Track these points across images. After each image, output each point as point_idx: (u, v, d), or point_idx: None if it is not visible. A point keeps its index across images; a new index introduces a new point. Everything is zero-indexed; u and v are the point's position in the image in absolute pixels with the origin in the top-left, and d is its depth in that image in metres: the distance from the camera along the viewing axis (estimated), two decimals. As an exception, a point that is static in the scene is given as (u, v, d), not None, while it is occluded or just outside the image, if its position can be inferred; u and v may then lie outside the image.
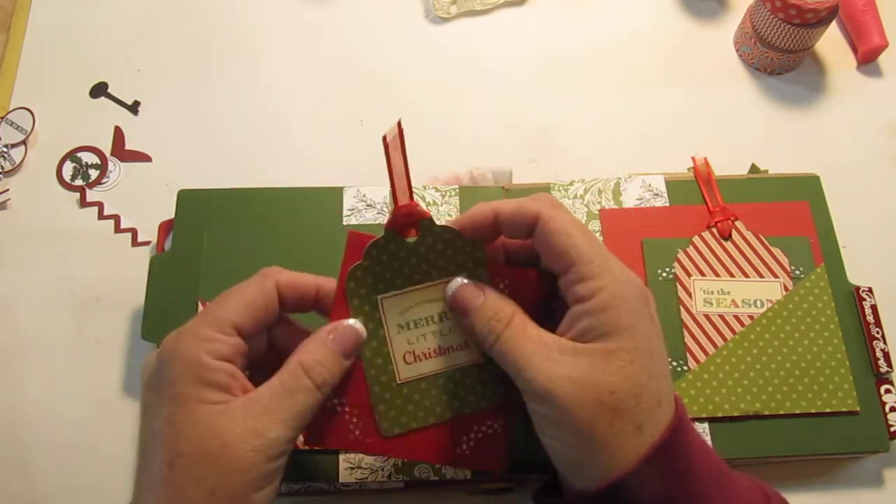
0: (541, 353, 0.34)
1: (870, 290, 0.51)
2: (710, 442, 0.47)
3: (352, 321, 0.37)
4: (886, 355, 0.49)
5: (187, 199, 0.54)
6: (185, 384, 0.32)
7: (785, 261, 0.52)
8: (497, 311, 0.35)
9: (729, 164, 0.57)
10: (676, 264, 0.51)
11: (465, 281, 0.37)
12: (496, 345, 0.35)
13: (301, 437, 0.38)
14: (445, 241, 0.37)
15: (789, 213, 0.54)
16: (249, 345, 0.36)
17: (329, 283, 0.38)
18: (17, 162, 0.61)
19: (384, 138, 0.34)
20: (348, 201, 0.54)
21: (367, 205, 0.54)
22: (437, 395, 0.38)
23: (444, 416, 0.38)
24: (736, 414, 0.47)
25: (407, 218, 0.37)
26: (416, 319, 0.38)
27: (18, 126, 0.62)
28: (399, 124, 0.35)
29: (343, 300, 0.37)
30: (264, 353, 0.38)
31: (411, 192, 0.37)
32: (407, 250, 0.37)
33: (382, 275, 0.37)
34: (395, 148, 0.35)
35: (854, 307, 0.51)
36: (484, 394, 0.39)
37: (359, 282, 0.37)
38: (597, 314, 0.34)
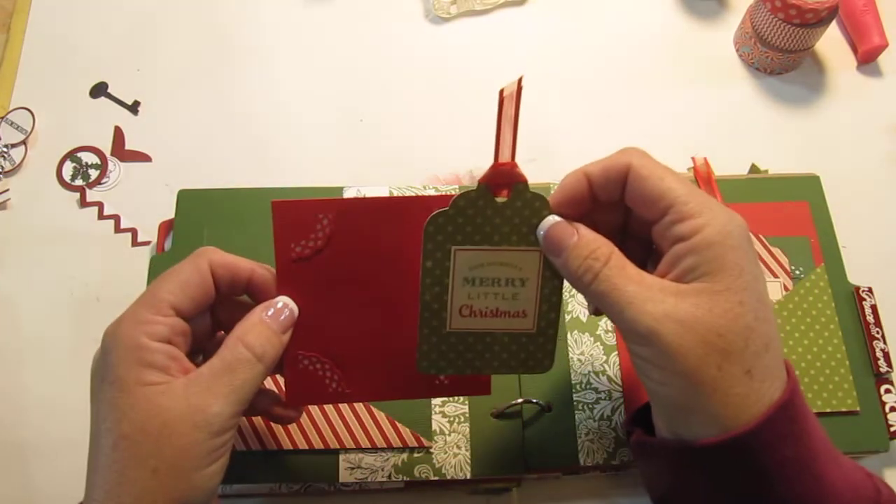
0: (643, 293, 0.32)
1: (870, 290, 0.51)
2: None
3: (284, 299, 0.37)
4: (886, 355, 0.49)
5: (187, 199, 0.54)
6: (126, 368, 0.33)
7: (785, 261, 0.52)
8: (594, 249, 0.34)
9: (729, 164, 0.57)
10: (676, 264, 0.51)
11: (559, 218, 0.36)
12: (594, 284, 0.33)
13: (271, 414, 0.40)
14: (533, 209, 0.36)
15: (789, 213, 0.54)
16: (192, 325, 0.36)
17: (262, 269, 0.38)
18: (17, 162, 0.61)
19: (501, 91, 0.33)
20: (348, 201, 0.54)
21: (367, 205, 0.54)
22: (480, 351, 0.38)
23: (482, 371, 0.38)
24: (736, 414, 0.47)
25: (504, 177, 0.36)
26: (483, 278, 0.37)
27: (18, 126, 0.62)
28: (520, 81, 0.34)
29: (284, 278, 0.37)
30: (211, 334, 0.38)
31: (514, 153, 0.36)
32: (494, 209, 0.36)
33: (463, 227, 0.36)
34: (510, 104, 0.34)
35: (854, 307, 0.51)
36: (526, 362, 0.38)
37: (438, 228, 0.36)
38: (701, 251, 0.32)
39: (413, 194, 0.37)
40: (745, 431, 0.31)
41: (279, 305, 0.36)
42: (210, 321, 0.38)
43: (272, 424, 0.47)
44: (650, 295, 0.32)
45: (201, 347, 0.39)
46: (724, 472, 0.32)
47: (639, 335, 0.32)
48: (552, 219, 0.36)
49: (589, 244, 0.34)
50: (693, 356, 0.31)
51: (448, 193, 0.36)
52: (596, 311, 0.41)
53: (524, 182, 0.36)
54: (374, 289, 0.38)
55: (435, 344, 0.38)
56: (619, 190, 0.36)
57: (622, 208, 0.37)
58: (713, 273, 0.32)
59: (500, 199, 0.36)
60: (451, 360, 0.38)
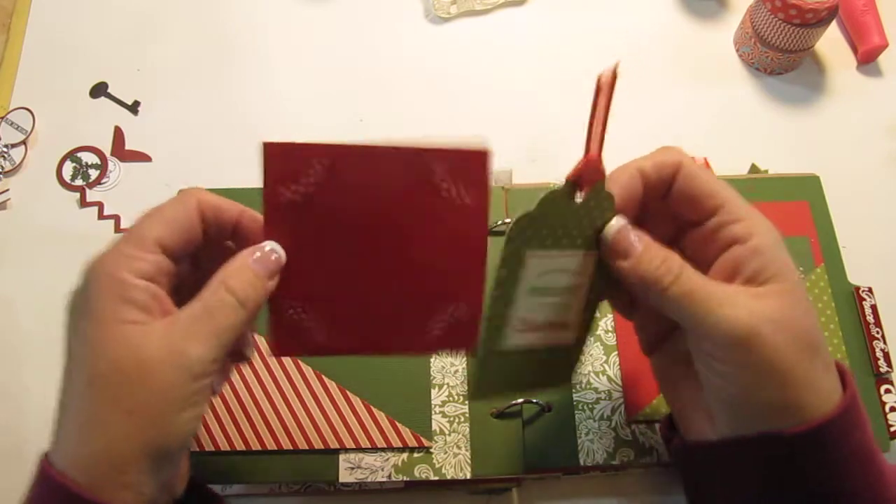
0: (729, 295, 0.32)
1: (870, 290, 0.51)
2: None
3: (271, 244, 0.34)
4: (886, 355, 0.49)
5: (187, 199, 0.54)
6: (105, 303, 0.31)
7: (785, 261, 0.52)
8: (667, 255, 0.34)
9: (729, 164, 0.57)
10: (676, 264, 0.51)
11: (626, 222, 0.35)
12: (673, 286, 0.33)
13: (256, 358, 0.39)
14: (601, 208, 0.35)
15: (789, 213, 0.54)
16: (178, 266, 0.35)
17: (251, 214, 0.36)
18: (17, 162, 0.61)
19: (599, 78, 0.32)
20: (348, 201, 0.54)
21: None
22: (523, 369, 0.36)
23: (516, 392, 0.37)
24: (736, 414, 0.47)
25: (592, 173, 0.34)
26: (546, 287, 0.35)
27: (18, 126, 0.62)
28: (616, 68, 0.33)
29: (271, 221, 0.35)
30: (192, 278, 0.37)
31: (602, 146, 0.34)
32: (570, 209, 0.34)
33: (540, 230, 0.34)
34: (604, 93, 0.33)
35: (854, 307, 0.51)
36: (557, 376, 0.37)
37: (520, 231, 0.34)
38: (764, 253, 0.33)
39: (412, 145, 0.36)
40: (831, 417, 0.32)
41: (266, 249, 0.34)
42: (191, 265, 0.37)
43: (272, 424, 0.47)
44: (735, 297, 0.32)
45: (181, 291, 0.37)
46: (804, 462, 0.33)
47: (734, 337, 0.32)
48: (620, 221, 0.35)
49: (660, 251, 0.34)
50: (790, 354, 0.31)
51: (450, 148, 0.35)
52: (625, 313, 0.40)
53: (603, 179, 0.35)
54: (365, 240, 0.36)
55: (491, 367, 0.36)
56: (665, 188, 0.36)
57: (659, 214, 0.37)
58: (781, 275, 0.33)
59: (577, 198, 0.35)
60: (502, 384, 0.36)
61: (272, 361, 0.48)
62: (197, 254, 0.36)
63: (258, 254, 0.34)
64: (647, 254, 0.34)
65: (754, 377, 0.32)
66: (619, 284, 0.36)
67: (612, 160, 0.60)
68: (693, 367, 0.36)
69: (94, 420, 0.30)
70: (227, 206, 0.36)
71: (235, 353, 0.37)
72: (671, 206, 0.36)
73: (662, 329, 0.39)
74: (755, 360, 0.32)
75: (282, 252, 0.35)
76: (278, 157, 0.34)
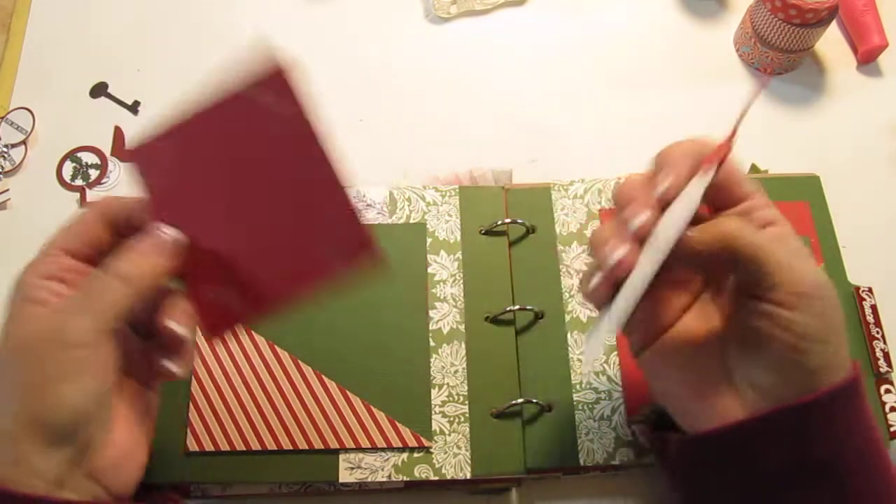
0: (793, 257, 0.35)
1: (870, 290, 0.51)
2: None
3: (158, 224, 0.37)
4: (886, 355, 0.49)
5: (187, 198, 0.54)
6: (16, 305, 0.35)
7: (785, 261, 0.52)
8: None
9: (729, 164, 0.57)
10: (676, 264, 0.51)
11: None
12: (756, 235, 0.35)
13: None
14: None
15: (789, 213, 0.53)
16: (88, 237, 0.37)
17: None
18: (17, 162, 0.61)
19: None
20: (348, 201, 0.54)
21: (367, 205, 0.54)
22: None
23: None
24: (736, 414, 0.47)
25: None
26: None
27: (18, 126, 0.62)
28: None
29: (155, 211, 0.37)
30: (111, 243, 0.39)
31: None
32: None
33: None
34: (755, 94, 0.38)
35: (854, 307, 0.51)
36: None
37: None
38: (785, 239, 0.37)
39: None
40: (850, 378, 0.34)
41: (152, 229, 0.37)
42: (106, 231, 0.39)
43: (272, 424, 0.47)
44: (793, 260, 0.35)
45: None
46: (837, 421, 0.35)
47: (814, 285, 0.34)
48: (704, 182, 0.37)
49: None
50: (841, 315, 0.35)
51: (249, 80, 0.39)
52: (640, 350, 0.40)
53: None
54: (238, 194, 0.38)
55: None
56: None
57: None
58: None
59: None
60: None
61: (272, 361, 0.49)
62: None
63: (141, 234, 0.36)
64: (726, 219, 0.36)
65: (824, 327, 0.34)
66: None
67: (613, 160, 0.60)
68: (707, 346, 0.38)
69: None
70: (135, 208, 0.38)
71: (163, 332, 0.37)
72: (712, 187, 0.38)
73: (661, 323, 0.39)
74: (829, 311, 0.34)
75: (168, 229, 0.37)
76: (135, 159, 0.37)
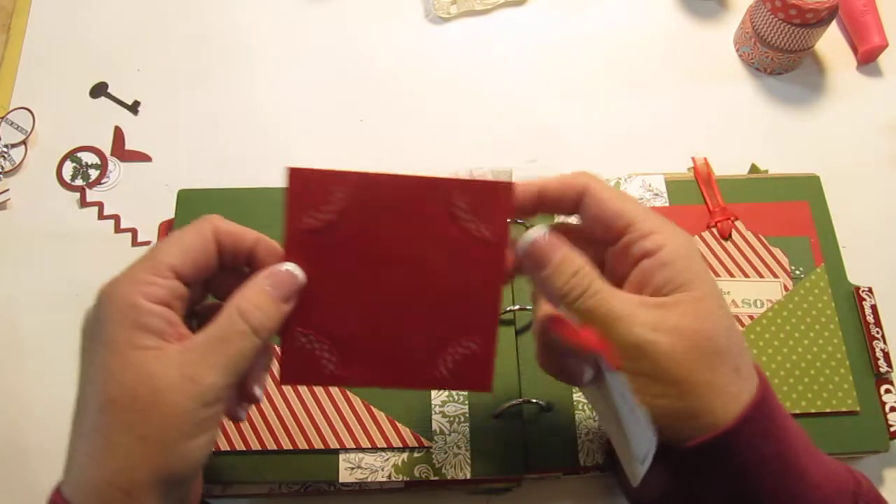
0: (631, 308, 0.33)
1: (870, 290, 0.51)
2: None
3: (289, 265, 0.35)
4: (886, 355, 0.49)
5: (187, 199, 0.54)
6: (120, 329, 0.31)
7: (785, 261, 0.52)
8: (580, 266, 0.34)
9: (729, 164, 0.57)
10: (676, 264, 0.51)
11: (545, 231, 0.35)
12: (582, 299, 0.33)
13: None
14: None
15: (789, 213, 0.54)
16: (191, 291, 0.35)
17: (267, 241, 0.36)
18: (17, 162, 0.61)
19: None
20: (348, 201, 0.54)
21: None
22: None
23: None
24: (736, 414, 0.47)
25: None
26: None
27: (18, 126, 0.62)
28: None
29: (291, 247, 0.35)
30: (203, 299, 0.37)
31: None
32: None
33: None
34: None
35: (854, 307, 0.51)
36: None
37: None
38: (672, 264, 0.34)
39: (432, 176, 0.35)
40: (728, 428, 0.32)
41: (282, 270, 0.34)
42: (203, 289, 0.37)
43: (272, 424, 0.47)
44: (636, 309, 0.33)
45: (194, 312, 0.38)
46: (713, 472, 0.33)
47: (633, 347, 0.32)
48: (539, 230, 0.35)
49: (575, 261, 0.35)
50: (689, 361, 0.32)
51: (469, 178, 0.35)
52: (545, 366, 0.39)
53: None
54: (382, 270, 0.36)
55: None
56: (568, 208, 0.37)
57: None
58: (688, 283, 0.33)
59: None
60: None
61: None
62: (211, 279, 0.37)
63: (273, 275, 0.34)
64: (561, 265, 0.35)
65: (656, 386, 0.32)
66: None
67: (613, 160, 0.60)
68: None
69: (106, 446, 0.31)
70: (244, 233, 0.36)
71: (246, 393, 0.37)
72: (584, 230, 0.37)
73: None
74: (653, 369, 0.32)
75: (300, 273, 0.35)
76: (302, 183, 0.35)
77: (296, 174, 0.35)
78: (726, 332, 0.33)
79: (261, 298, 0.33)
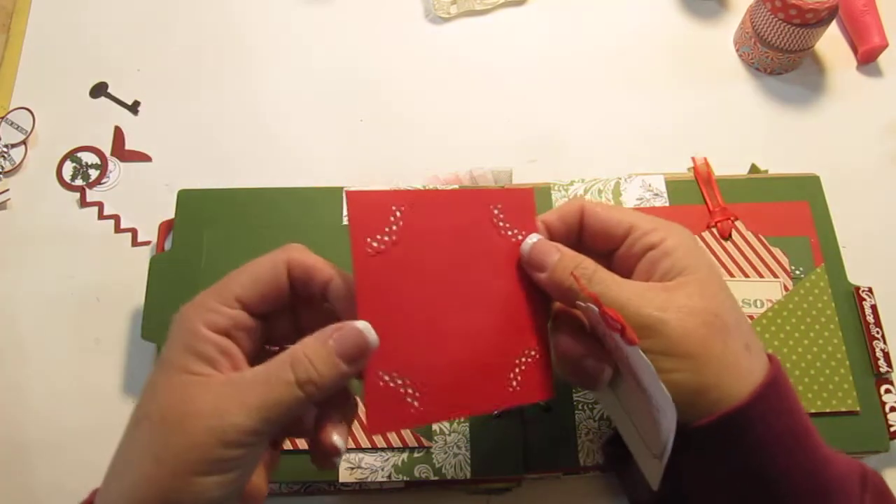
0: (638, 291, 0.34)
1: (870, 290, 0.51)
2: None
3: (360, 323, 0.32)
4: (886, 355, 0.49)
5: (187, 199, 0.54)
6: (176, 351, 0.32)
7: (785, 261, 0.52)
8: (580, 261, 0.36)
9: (729, 164, 0.57)
10: (676, 264, 0.51)
11: (540, 237, 0.38)
12: (588, 288, 0.35)
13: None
14: None
15: (789, 213, 0.54)
16: (272, 325, 0.35)
17: (340, 278, 0.34)
18: (17, 162, 0.61)
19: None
20: (348, 201, 0.54)
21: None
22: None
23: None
24: (736, 414, 0.47)
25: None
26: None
27: (18, 126, 0.62)
28: None
29: (362, 275, 0.33)
30: (293, 337, 0.35)
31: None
32: None
33: None
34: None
35: (854, 307, 0.51)
36: None
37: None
38: (674, 252, 0.35)
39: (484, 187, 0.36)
40: (742, 404, 0.32)
41: (353, 326, 0.32)
42: (291, 323, 0.36)
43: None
44: (644, 292, 0.34)
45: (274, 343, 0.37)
46: (727, 449, 0.33)
47: (644, 328, 0.33)
48: (534, 237, 0.38)
49: (574, 257, 0.36)
50: (698, 336, 0.33)
51: (518, 188, 0.37)
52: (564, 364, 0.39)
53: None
54: (446, 292, 0.35)
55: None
56: (574, 234, 0.39)
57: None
58: (690, 267, 0.35)
59: None
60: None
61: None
62: (296, 311, 0.36)
63: (341, 329, 0.32)
64: (561, 263, 0.36)
65: (668, 361, 0.33)
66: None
67: (613, 160, 0.60)
68: None
69: (128, 460, 0.31)
70: (317, 267, 0.35)
71: (326, 445, 0.34)
72: (588, 245, 0.38)
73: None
74: (665, 345, 0.33)
75: (372, 334, 0.32)
76: (363, 206, 0.34)
77: (355, 198, 0.34)
78: (732, 311, 0.35)
79: (319, 352, 0.31)
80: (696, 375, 0.33)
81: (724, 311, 0.34)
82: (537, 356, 0.38)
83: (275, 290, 0.34)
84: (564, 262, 0.36)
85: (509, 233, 0.37)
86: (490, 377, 0.36)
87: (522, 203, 0.38)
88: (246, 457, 0.30)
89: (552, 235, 0.39)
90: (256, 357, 0.34)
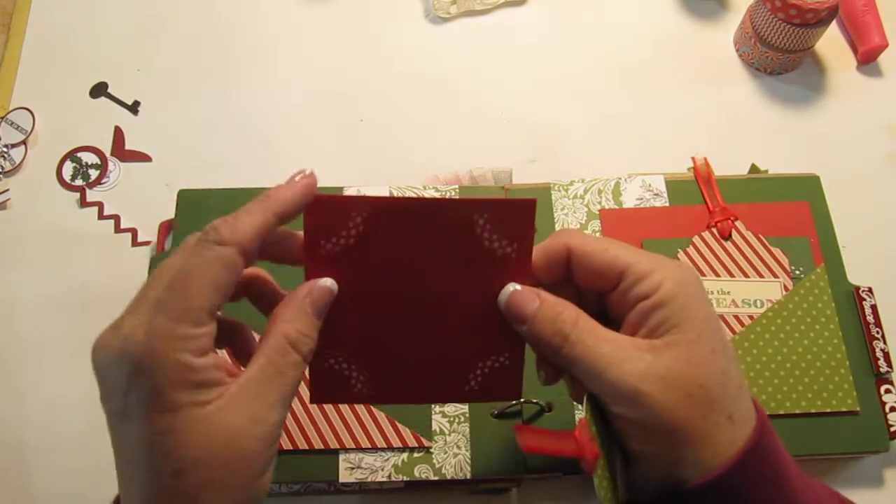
0: (619, 352, 0.32)
1: (870, 290, 0.51)
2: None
3: (328, 281, 0.34)
4: (886, 355, 0.49)
5: (187, 199, 0.54)
6: (177, 392, 0.29)
7: (785, 261, 0.52)
8: (559, 311, 0.34)
9: (729, 164, 0.57)
10: (676, 264, 0.51)
11: (519, 286, 0.35)
12: (566, 347, 0.33)
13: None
14: None
15: (789, 213, 0.54)
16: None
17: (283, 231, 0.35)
18: (17, 162, 0.61)
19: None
20: (348, 201, 0.54)
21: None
22: None
23: None
24: (736, 414, 0.47)
25: None
26: None
27: (18, 126, 0.62)
28: None
29: (312, 272, 0.35)
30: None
31: None
32: None
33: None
34: None
35: (854, 307, 0.51)
36: None
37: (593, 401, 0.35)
38: (667, 304, 0.32)
39: (451, 196, 0.35)
40: (721, 471, 0.31)
41: (322, 287, 0.34)
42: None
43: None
44: (627, 354, 0.32)
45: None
46: None
47: (623, 396, 0.32)
48: (511, 286, 0.35)
49: (554, 307, 0.34)
50: (680, 411, 0.31)
51: (493, 199, 0.35)
52: (547, 380, 0.38)
53: None
54: (407, 292, 0.36)
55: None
56: (562, 271, 0.36)
57: (571, 287, 0.37)
58: (682, 324, 0.32)
59: None
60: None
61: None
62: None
63: (313, 294, 0.33)
64: (539, 313, 0.34)
65: (645, 433, 0.32)
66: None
67: (613, 160, 0.60)
68: None
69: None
70: (254, 225, 0.33)
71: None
72: (578, 284, 0.36)
73: None
74: (643, 417, 0.32)
75: (333, 285, 0.34)
76: (317, 210, 0.34)
77: (312, 202, 0.34)
78: (721, 378, 0.32)
79: (304, 322, 0.33)
80: (672, 450, 0.32)
81: (710, 381, 0.32)
82: (507, 363, 0.38)
83: (232, 289, 0.32)
84: (544, 311, 0.34)
85: (495, 244, 0.36)
86: (446, 375, 0.38)
87: (517, 216, 0.36)
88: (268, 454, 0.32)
89: (536, 274, 0.36)
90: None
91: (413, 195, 0.54)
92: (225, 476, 0.30)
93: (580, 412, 0.48)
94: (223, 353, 0.36)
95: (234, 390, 0.31)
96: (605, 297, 0.35)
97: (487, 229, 0.35)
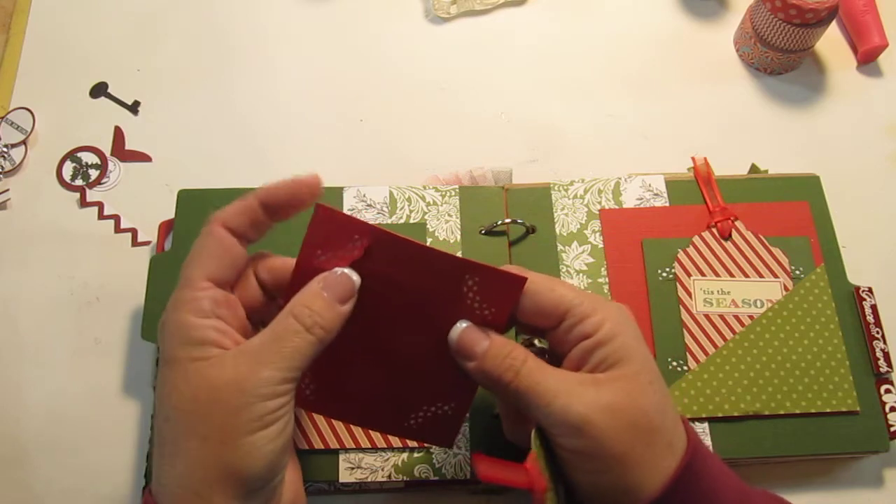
0: (567, 386, 0.34)
1: (870, 290, 0.51)
2: (709, 442, 0.47)
3: (346, 270, 0.36)
4: (886, 355, 0.49)
5: (187, 199, 0.54)
6: (176, 347, 0.33)
7: (785, 261, 0.52)
8: (510, 350, 0.36)
9: (729, 164, 0.57)
10: (676, 264, 0.51)
11: (468, 324, 0.37)
12: (516, 380, 0.35)
13: None
14: None
15: (789, 213, 0.54)
16: (242, 294, 0.37)
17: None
18: (17, 162, 0.61)
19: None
20: (348, 201, 0.54)
21: (367, 205, 0.54)
22: None
23: None
24: (736, 414, 0.47)
25: None
26: None
27: (18, 126, 0.62)
28: None
29: (297, 280, 0.36)
30: (264, 301, 0.38)
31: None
32: None
33: None
34: None
35: (854, 307, 0.51)
36: None
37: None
38: (608, 343, 0.35)
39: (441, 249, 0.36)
40: (655, 498, 0.33)
41: (337, 273, 0.36)
42: (259, 289, 0.38)
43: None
44: (573, 387, 0.34)
45: (261, 318, 0.38)
46: None
47: (570, 426, 0.33)
48: (461, 323, 0.37)
49: (504, 345, 0.36)
50: (626, 439, 0.33)
51: (490, 266, 0.36)
52: (508, 431, 0.41)
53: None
54: (379, 325, 0.38)
55: None
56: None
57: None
58: (622, 361, 0.35)
59: None
60: None
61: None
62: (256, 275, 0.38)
63: (327, 279, 0.35)
64: (491, 350, 0.36)
65: (592, 462, 0.34)
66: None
67: (613, 160, 0.60)
68: None
69: (173, 451, 0.33)
70: (247, 214, 0.37)
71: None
72: (521, 321, 0.38)
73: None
74: (590, 447, 0.33)
75: (355, 276, 0.36)
76: (323, 221, 0.36)
77: (321, 212, 0.36)
78: (660, 407, 0.35)
79: (315, 301, 0.34)
80: (620, 478, 0.33)
81: (651, 409, 0.34)
82: (450, 412, 0.40)
83: (229, 253, 0.36)
84: (494, 350, 0.36)
85: (475, 305, 0.37)
86: (390, 409, 0.39)
87: (506, 287, 0.37)
88: (283, 407, 0.33)
89: None
90: (246, 337, 0.36)
91: (414, 193, 0.54)
92: (204, 424, 0.32)
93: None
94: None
95: (232, 352, 0.33)
96: (547, 334, 0.37)
97: (474, 290, 0.37)
